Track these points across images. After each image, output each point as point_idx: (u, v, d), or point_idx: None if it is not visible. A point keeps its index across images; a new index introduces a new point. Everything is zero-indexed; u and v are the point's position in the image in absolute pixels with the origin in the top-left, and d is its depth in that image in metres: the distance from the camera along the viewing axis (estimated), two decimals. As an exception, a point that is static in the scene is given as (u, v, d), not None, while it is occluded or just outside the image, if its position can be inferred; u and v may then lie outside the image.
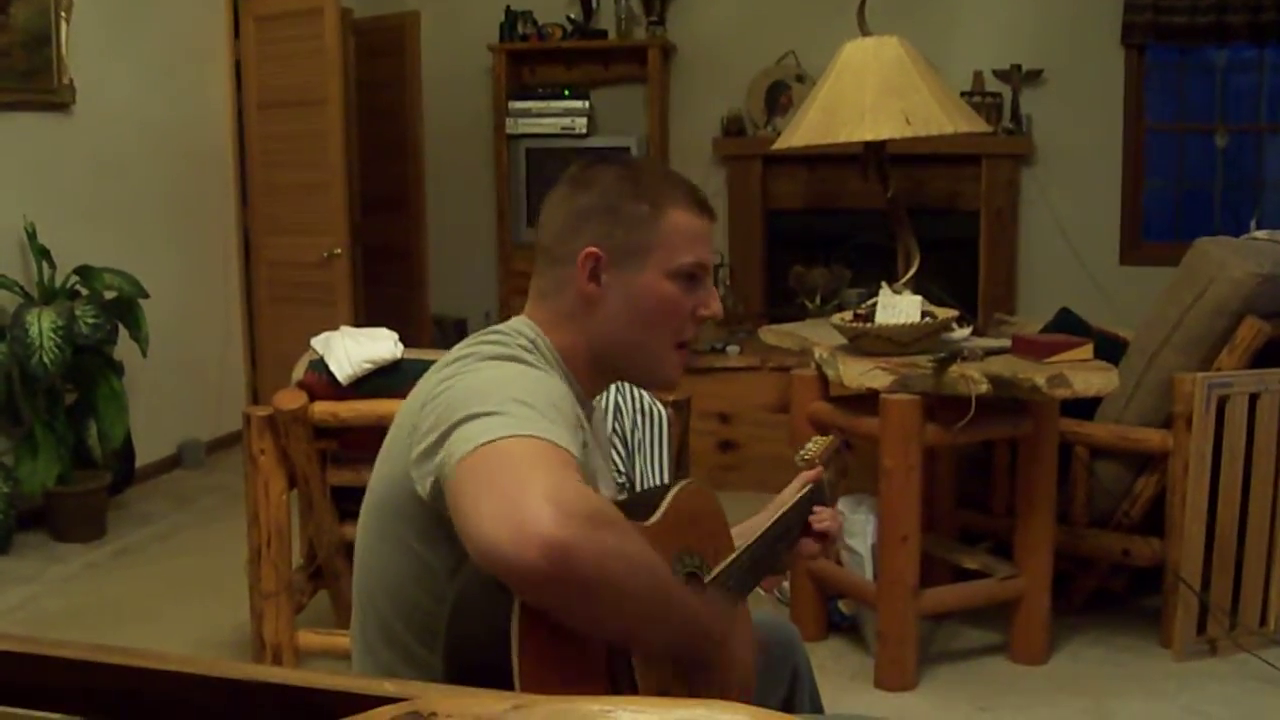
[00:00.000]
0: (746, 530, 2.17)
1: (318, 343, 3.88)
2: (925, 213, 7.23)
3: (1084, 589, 4.57)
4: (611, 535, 1.53)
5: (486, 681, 1.48)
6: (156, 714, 1.38)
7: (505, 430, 1.60)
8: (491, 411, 1.64)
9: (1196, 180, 7.86)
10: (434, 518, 1.74)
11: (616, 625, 1.58)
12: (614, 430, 3.74)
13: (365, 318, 7.23)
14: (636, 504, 1.87)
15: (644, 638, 1.64)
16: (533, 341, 1.96)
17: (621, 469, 3.77)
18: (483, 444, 1.59)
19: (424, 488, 1.73)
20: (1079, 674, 4.14)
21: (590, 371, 2.03)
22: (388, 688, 1.28)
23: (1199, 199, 7.88)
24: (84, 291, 5.64)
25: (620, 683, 1.62)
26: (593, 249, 1.97)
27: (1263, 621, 4.25)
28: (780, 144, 4.42)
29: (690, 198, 2.02)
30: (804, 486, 2.33)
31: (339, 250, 6.85)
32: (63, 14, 5.80)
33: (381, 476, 1.90)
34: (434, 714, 1.11)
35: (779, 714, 1.07)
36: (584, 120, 8.03)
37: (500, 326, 2.00)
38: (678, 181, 2.05)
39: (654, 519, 1.82)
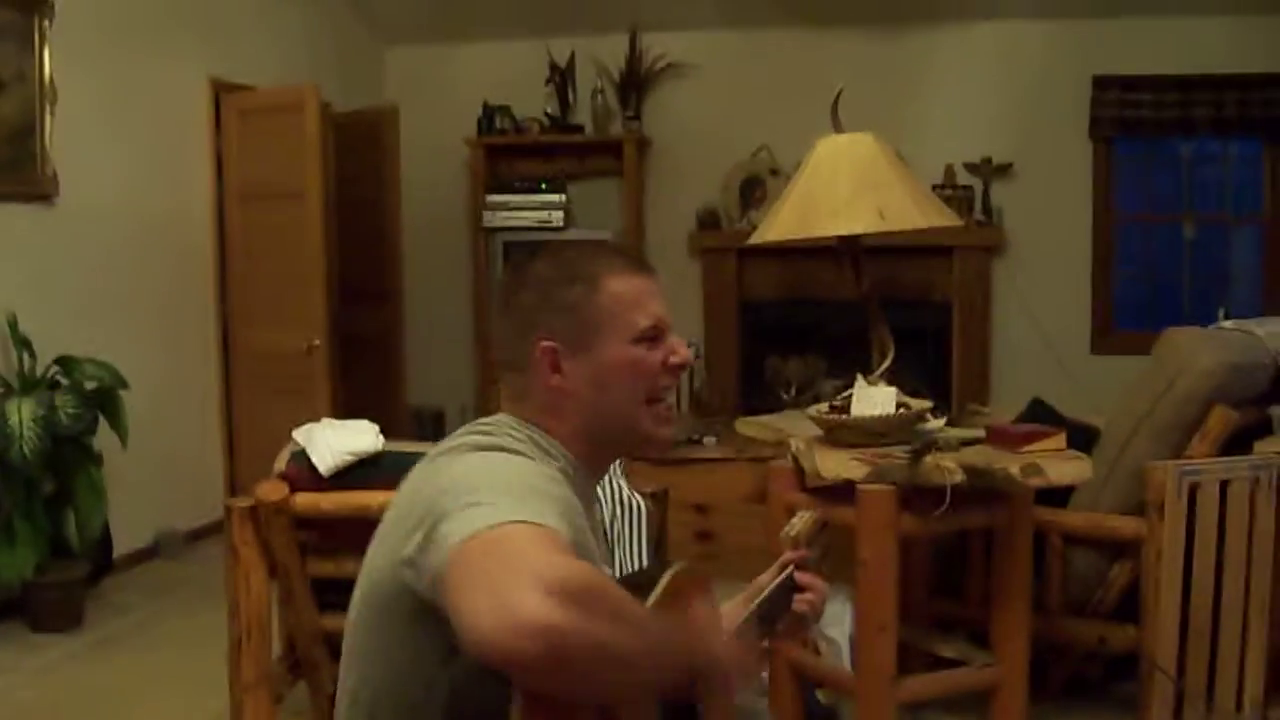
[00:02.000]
0: (730, 612, 2.20)
1: (300, 434, 3.91)
2: (899, 304, 7.31)
3: (1060, 676, 4.60)
4: (600, 606, 1.55)
5: None
6: None
7: (489, 520, 1.62)
8: (476, 503, 1.66)
9: (1166, 270, 7.97)
10: (424, 608, 1.74)
11: (614, 687, 1.61)
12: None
13: (344, 408, 7.24)
14: (634, 584, 1.91)
15: (641, 690, 1.69)
16: (517, 430, 1.97)
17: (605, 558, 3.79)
18: (468, 537, 1.61)
19: (414, 582, 1.74)
20: (1057, 761, 4.16)
21: (588, 454, 2.04)
22: None
23: (1168, 288, 7.99)
24: (64, 382, 5.67)
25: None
26: (545, 343, 1.99)
27: (1238, 706, 4.27)
28: (756, 238, 4.48)
29: (623, 261, 2.05)
30: (785, 566, 2.35)
31: (318, 341, 6.89)
32: (47, 106, 5.87)
33: (371, 569, 1.91)
34: None
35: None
36: (560, 213, 8.12)
37: (489, 420, 2.02)
38: (606, 250, 2.08)
39: (650, 600, 1.86)
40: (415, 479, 1.89)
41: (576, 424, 2.02)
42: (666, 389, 2.06)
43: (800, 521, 2.45)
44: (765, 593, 2.24)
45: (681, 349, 2.07)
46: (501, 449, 1.88)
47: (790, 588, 2.31)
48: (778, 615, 2.28)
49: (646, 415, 2.04)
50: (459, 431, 1.98)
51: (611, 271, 2.02)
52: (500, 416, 2.05)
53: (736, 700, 1.99)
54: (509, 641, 1.47)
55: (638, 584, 1.91)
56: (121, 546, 6.31)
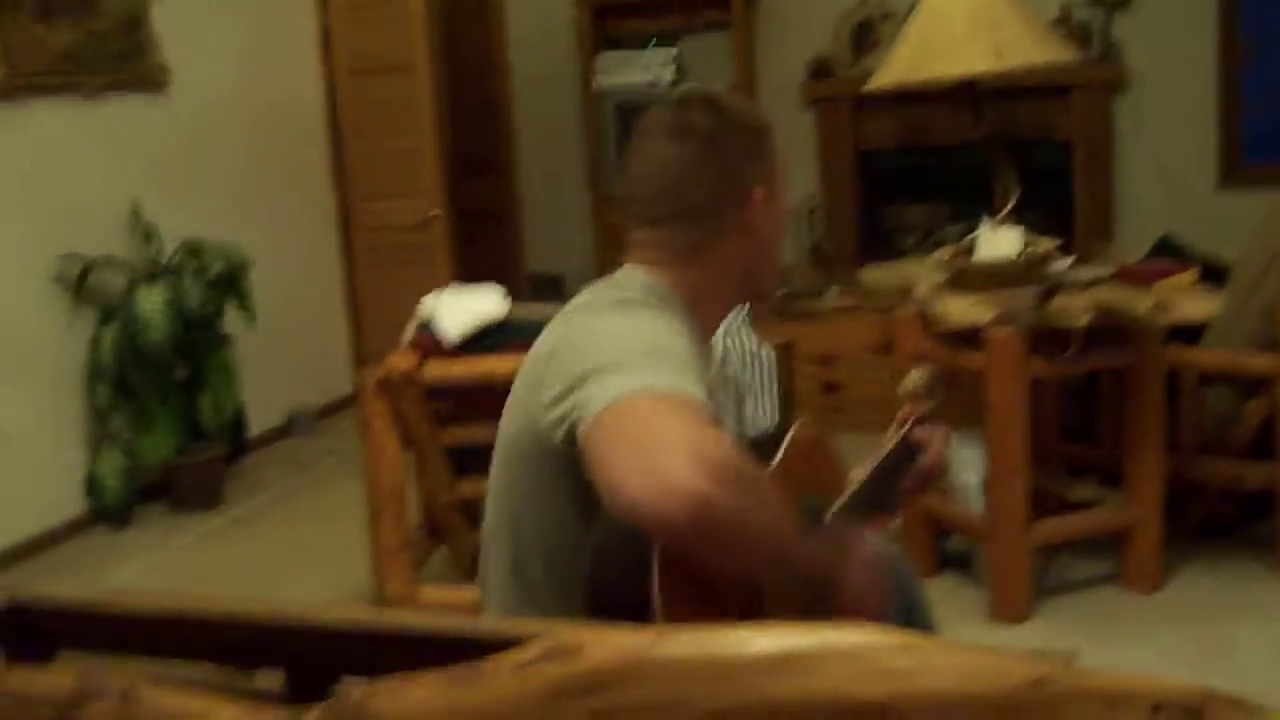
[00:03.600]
0: (853, 478, 2.20)
1: (426, 304, 3.93)
2: (1018, 145, 7.16)
3: (1196, 516, 4.55)
4: (747, 486, 1.57)
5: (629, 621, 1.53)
6: (297, 662, 1.43)
7: (637, 383, 1.62)
8: (622, 364, 1.66)
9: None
10: (565, 468, 1.76)
11: (753, 561, 1.63)
12: (722, 375, 3.77)
13: (463, 278, 7.26)
14: (756, 447, 1.90)
15: (779, 568, 1.70)
16: (649, 286, 1.95)
17: (733, 413, 3.80)
18: (616, 398, 1.61)
19: (558, 437, 1.74)
20: (1192, 601, 4.14)
21: (708, 308, 2.02)
22: (527, 629, 1.29)
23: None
24: (190, 266, 5.74)
25: (752, 618, 1.68)
26: (757, 189, 1.98)
27: (1379, 540, 4.22)
28: (872, 84, 4.42)
29: None
30: (905, 421, 2.34)
31: (436, 212, 6.90)
32: (153, -4, 5.91)
33: (509, 430, 1.92)
34: (579, 646, 1.15)
35: (924, 636, 1.11)
36: (671, 70, 8.01)
37: (618, 276, 2.00)
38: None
39: (775, 463, 1.86)
40: (552, 338, 1.88)
41: (729, 270, 2.00)
42: None
43: (917, 376, 2.44)
44: (883, 454, 2.23)
45: None
46: (635, 305, 1.87)
47: (909, 445, 2.30)
48: (900, 474, 2.27)
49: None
50: (588, 289, 1.97)
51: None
52: (627, 269, 2.02)
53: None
54: (658, 504, 1.49)
55: (766, 445, 1.91)
56: (256, 426, 6.43)
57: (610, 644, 1.15)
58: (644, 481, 1.50)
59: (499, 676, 1.17)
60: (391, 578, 3.93)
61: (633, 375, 1.63)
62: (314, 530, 5.34)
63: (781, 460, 1.88)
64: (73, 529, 5.43)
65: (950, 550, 4.48)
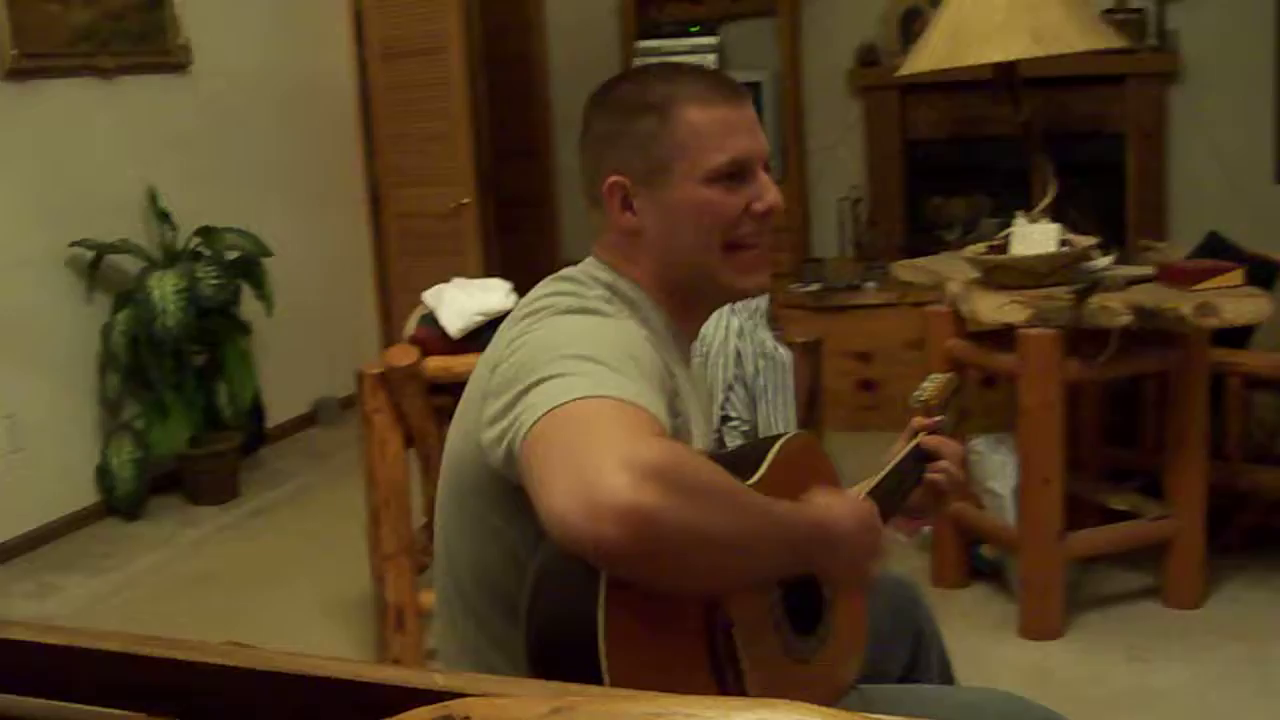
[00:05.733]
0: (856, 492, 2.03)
1: (429, 296, 3.80)
2: (1069, 137, 6.99)
3: (1241, 527, 4.36)
4: (689, 486, 1.40)
5: (572, 664, 1.38)
6: (202, 707, 1.32)
7: (574, 393, 1.48)
8: (560, 373, 1.52)
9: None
10: (509, 490, 1.61)
11: (710, 575, 1.47)
12: (735, 377, 3.61)
13: (500, 267, 7.17)
14: (739, 459, 1.74)
15: (749, 571, 1.54)
16: (610, 286, 1.82)
17: (745, 416, 3.64)
18: (550, 410, 1.47)
19: (497, 455, 1.60)
20: (1238, 617, 3.95)
21: (672, 303, 1.87)
22: (437, 681, 1.19)
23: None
24: (206, 252, 5.62)
25: (719, 652, 1.51)
26: (614, 179, 1.82)
27: None
28: (905, 70, 4.24)
29: (705, 89, 1.83)
30: (914, 435, 2.16)
31: (467, 200, 6.78)
32: (175, -27, 5.79)
33: (454, 446, 1.79)
34: (468, 718, 1.04)
35: (851, 714, 0.95)
36: (713, 56, 7.85)
37: (574, 273, 1.86)
38: (690, 76, 1.86)
39: (755, 477, 1.69)
40: (496, 347, 1.74)
41: (650, 268, 1.85)
42: (749, 235, 1.85)
43: (931, 384, 2.27)
44: (889, 465, 2.06)
45: (770, 193, 1.84)
46: (587, 311, 1.71)
47: (921, 457, 2.12)
48: (907, 488, 2.09)
49: (724, 264, 1.84)
50: (542, 289, 1.81)
51: (688, 101, 1.81)
52: (586, 263, 1.89)
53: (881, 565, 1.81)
54: (590, 525, 1.34)
55: (749, 458, 1.75)
56: (278, 415, 6.32)
57: (504, 716, 1.02)
58: (573, 500, 1.36)
59: (382, 743, 1.06)
60: (390, 581, 3.79)
61: (571, 384, 1.50)
62: (329, 525, 5.19)
63: (765, 472, 1.71)
64: (83, 520, 5.33)
65: (982, 560, 4.30)
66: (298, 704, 1.25)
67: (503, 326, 1.79)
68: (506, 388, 1.59)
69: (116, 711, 1.34)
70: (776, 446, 1.78)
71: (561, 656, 1.42)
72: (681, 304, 1.89)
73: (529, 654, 1.46)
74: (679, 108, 1.80)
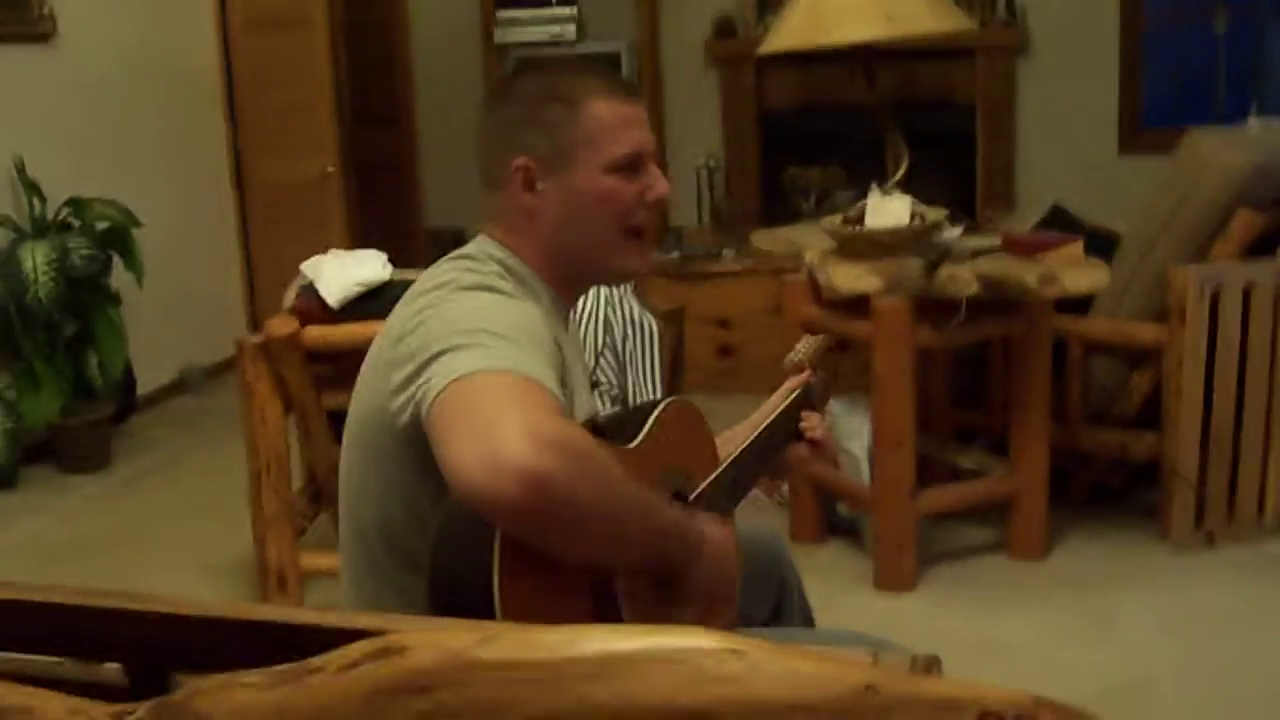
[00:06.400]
0: (733, 438, 2.18)
1: (307, 267, 3.88)
2: (920, 107, 7.20)
3: (1082, 485, 4.59)
4: (584, 462, 1.54)
5: (471, 612, 1.50)
6: (137, 652, 1.41)
7: (480, 364, 1.61)
8: (466, 345, 1.65)
9: (1197, 68, 7.76)
10: (414, 449, 1.74)
11: (593, 548, 1.60)
12: (604, 344, 3.74)
13: (361, 235, 7.22)
14: (620, 424, 1.89)
15: (621, 557, 1.66)
16: (503, 263, 1.95)
17: (614, 382, 3.77)
18: (458, 378, 1.60)
19: (403, 420, 1.73)
20: (1078, 569, 4.17)
21: (558, 279, 2.01)
22: (363, 622, 1.30)
23: (1199, 86, 7.78)
24: (76, 224, 5.63)
25: (603, 606, 1.65)
26: (521, 161, 1.95)
27: (1260, 511, 4.26)
28: (765, 48, 4.39)
29: (609, 86, 1.98)
30: (791, 392, 2.31)
31: (331, 169, 6.84)
32: (40, -57, 5.76)
33: (359, 410, 1.91)
34: (405, 648, 1.13)
35: (738, 635, 1.09)
36: (572, 27, 7.96)
37: (471, 250, 1.98)
38: (595, 73, 2.02)
39: (637, 440, 1.83)
40: (399, 318, 1.86)
41: (546, 246, 1.98)
42: (643, 221, 2.00)
43: (805, 345, 2.41)
44: (768, 420, 2.21)
45: (660, 183, 2.01)
46: (487, 288, 1.85)
47: (794, 416, 2.28)
48: (780, 441, 2.25)
49: (619, 247, 2.00)
50: (441, 266, 1.94)
51: (595, 94, 1.96)
52: (479, 241, 2.02)
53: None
54: (492, 483, 1.47)
55: (629, 423, 1.88)
56: (146, 384, 6.34)
57: (436, 645, 1.13)
58: (477, 460, 1.49)
59: (325, 676, 1.15)
60: (272, 544, 3.89)
61: (477, 355, 1.63)
62: (203, 490, 5.26)
63: (645, 436, 1.85)
64: (-46, 490, 5.32)
65: (839, 517, 4.48)
66: (237, 646, 1.33)
67: (403, 300, 1.90)
68: (411, 357, 1.72)
69: (67, 661, 1.44)
70: (655, 413, 1.91)
71: (461, 604, 1.54)
72: (566, 280, 2.03)
73: (430, 601, 1.60)
74: (587, 100, 1.95)
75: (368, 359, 1.92)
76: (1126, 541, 4.33)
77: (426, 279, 1.91)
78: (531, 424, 1.50)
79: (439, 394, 1.61)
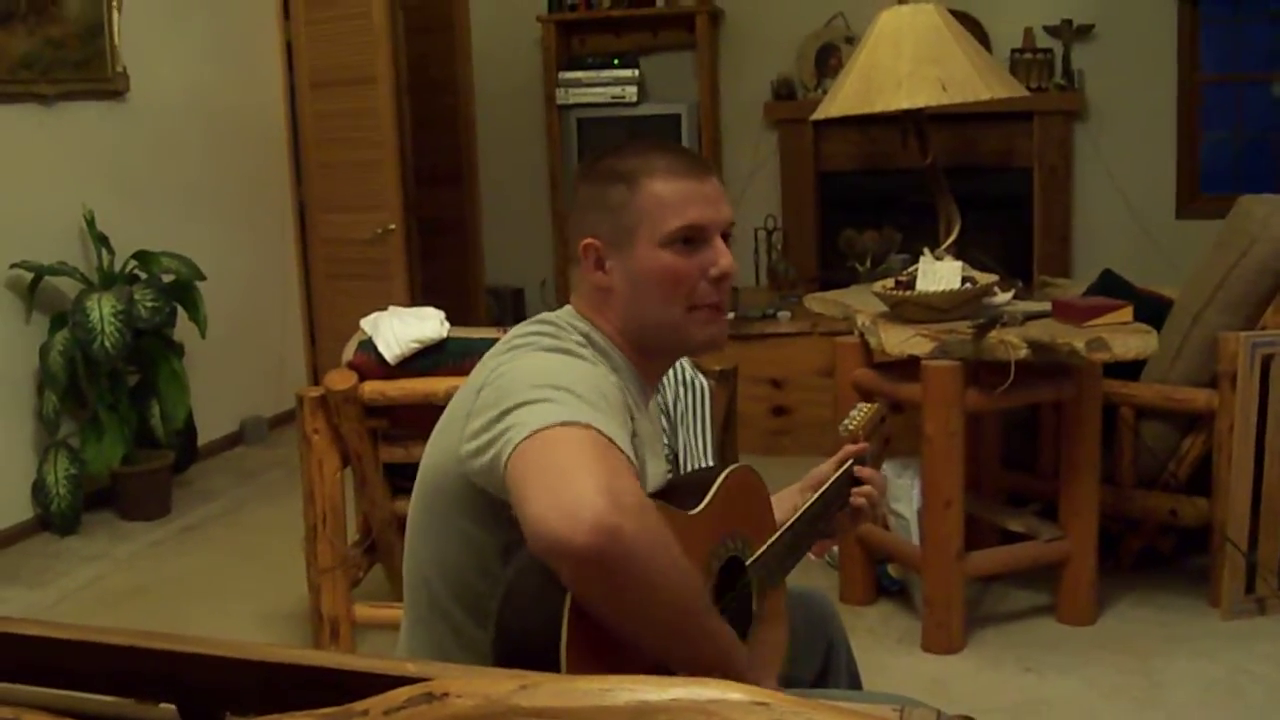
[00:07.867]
0: (781, 499, 2.22)
1: (366, 324, 3.95)
2: (978, 171, 7.24)
3: (1131, 550, 4.59)
4: (653, 528, 1.61)
5: (535, 664, 1.56)
6: (190, 693, 1.45)
7: (560, 417, 1.67)
8: (546, 399, 1.71)
9: (1255, 131, 7.76)
10: (486, 499, 1.81)
11: (649, 624, 1.65)
12: (658, 404, 3.77)
13: (421, 292, 7.30)
14: (685, 488, 1.95)
15: (670, 647, 1.70)
16: (587, 335, 2.01)
17: (665, 442, 3.81)
18: (538, 429, 1.66)
19: (477, 469, 1.79)
20: (1126, 634, 4.17)
21: (637, 353, 2.07)
22: (409, 669, 1.34)
23: (1258, 151, 7.79)
24: (142, 276, 5.74)
25: (664, 668, 1.68)
26: (588, 241, 2.03)
27: (1311, 578, 4.26)
28: (819, 114, 4.45)
29: (671, 163, 2.03)
30: (845, 461, 2.35)
31: (393, 226, 6.91)
32: (114, 3, 5.89)
33: (434, 458, 1.97)
34: (446, 694, 1.17)
35: (776, 693, 1.13)
36: (634, 89, 8.05)
37: (554, 318, 2.04)
38: (659, 151, 2.06)
39: (700, 506, 1.88)
40: (481, 372, 1.93)
41: (619, 323, 2.05)
42: (706, 295, 2.04)
43: (859, 414, 2.45)
44: (823, 489, 2.25)
45: (724, 258, 2.04)
46: (567, 352, 1.91)
47: (848, 482, 2.32)
48: (833, 510, 2.29)
49: (686, 320, 2.04)
50: (524, 328, 2.01)
51: (654, 172, 2.02)
52: (565, 311, 2.09)
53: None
54: (567, 530, 1.54)
55: (694, 487, 1.93)
56: (207, 434, 6.44)
57: (478, 692, 1.17)
58: (555, 506, 1.55)
59: (370, 720, 1.20)
60: (326, 594, 3.95)
61: (557, 410, 1.69)
62: (260, 541, 5.33)
63: (709, 502, 1.90)
64: (18, 535, 5.42)
65: (889, 579, 4.50)
66: (287, 690, 1.39)
67: (486, 357, 1.96)
68: (490, 407, 1.78)
69: (121, 700, 1.50)
70: (720, 478, 1.96)
71: (525, 659, 1.60)
72: (646, 356, 2.09)
73: (495, 653, 1.65)
74: (646, 179, 2.01)
75: (448, 409, 1.98)
76: (1176, 607, 4.32)
77: (511, 337, 1.98)
78: (609, 483, 1.57)
79: (519, 444, 1.67)
